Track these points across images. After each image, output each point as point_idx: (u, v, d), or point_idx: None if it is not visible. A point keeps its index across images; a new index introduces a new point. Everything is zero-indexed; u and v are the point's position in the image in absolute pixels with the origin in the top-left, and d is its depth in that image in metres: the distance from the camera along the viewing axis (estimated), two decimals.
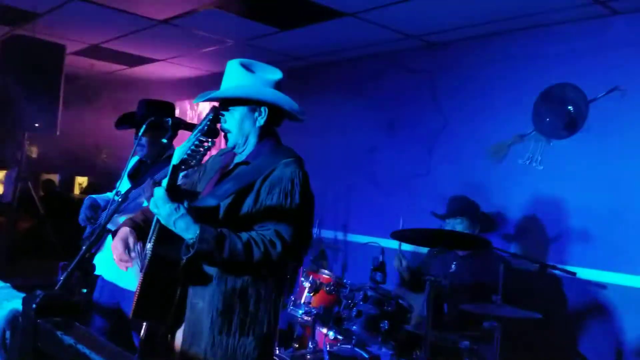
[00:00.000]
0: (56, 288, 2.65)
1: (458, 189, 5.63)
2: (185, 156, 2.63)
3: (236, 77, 3.04)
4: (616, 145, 5.15)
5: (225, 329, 2.83)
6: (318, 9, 5.72)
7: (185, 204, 2.68)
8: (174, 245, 2.71)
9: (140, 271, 2.91)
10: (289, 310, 4.88)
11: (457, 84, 6.39)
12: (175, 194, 2.67)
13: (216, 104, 2.96)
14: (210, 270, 2.85)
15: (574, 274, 4.83)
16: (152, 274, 2.77)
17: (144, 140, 4.42)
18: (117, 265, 3.00)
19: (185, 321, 2.94)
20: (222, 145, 3.36)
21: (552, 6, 5.20)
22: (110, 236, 4.15)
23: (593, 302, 5.22)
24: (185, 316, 2.93)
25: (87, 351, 1.52)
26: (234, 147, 3.07)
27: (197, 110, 9.73)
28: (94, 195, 4.60)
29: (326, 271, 5.03)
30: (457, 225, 5.19)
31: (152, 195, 2.69)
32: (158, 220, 2.74)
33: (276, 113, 3.07)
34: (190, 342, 2.90)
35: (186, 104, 9.84)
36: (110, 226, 3.76)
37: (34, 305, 1.72)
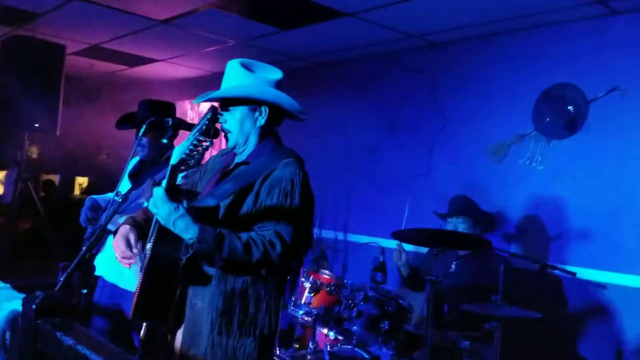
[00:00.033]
0: (56, 289, 2.66)
1: (458, 188, 5.62)
2: (184, 156, 2.62)
3: (236, 77, 3.04)
4: (616, 145, 5.15)
5: (225, 330, 2.82)
6: (318, 9, 5.72)
7: (185, 203, 2.67)
8: (174, 245, 2.70)
9: (140, 271, 2.90)
10: (289, 310, 4.88)
11: (457, 83, 6.39)
12: (174, 193, 2.67)
13: (216, 104, 2.96)
14: (210, 270, 2.85)
15: (574, 274, 4.83)
16: (151, 274, 2.77)
17: (144, 140, 4.42)
18: (119, 263, 3.00)
19: (185, 321, 2.94)
20: (223, 146, 3.36)
21: (553, 6, 5.20)
22: (111, 237, 4.15)
23: (593, 302, 5.22)
24: (185, 316, 2.93)
25: (87, 352, 1.52)
26: (234, 147, 3.07)
27: (198, 110, 9.72)
28: (94, 196, 4.59)
29: (327, 271, 5.03)
30: (460, 224, 5.19)
31: (151, 195, 2.68)
32: (157, 220, 2.74)
33: (277, 113, 3.07)
34: (189, 342, 2.90)
35: (187, 104, 9.84)
36: (110, 227, 3.75)
37: (33, 306, 1.71)
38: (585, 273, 5.17)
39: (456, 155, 6.28)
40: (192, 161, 2.65)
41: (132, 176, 4.53)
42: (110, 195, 4.60)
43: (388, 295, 4.67)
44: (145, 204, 2.83)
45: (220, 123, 3.01)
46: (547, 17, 5.48)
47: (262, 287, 2.90)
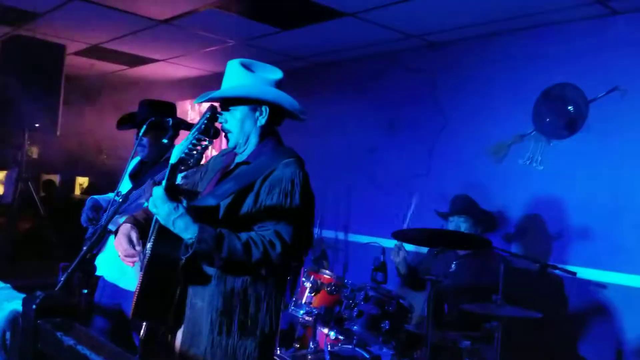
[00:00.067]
0: (56, 289, 2.66)
1: (458, 188, 5.62)
2: (183, 155, 2.62)
3: (237, 77, 3.03)
4: (616, 145, 5.15)
5: (225, 330, 2.82)
6: (319, 9, 5.72)
7: (185, 203, 2.67)
8: (174, 245, 2.70)
9: (140, 271, 2.90)
10: (290, 310, 4.88)
11: (457, 83, 6.39)
12: (174, 193, 2.66)
13: (216, 104, 2.96)
14: (210, 270, 2.85)
15: (574, 273, 4.83)
16: (151, 273, 2.77)
17: (145, 140, 4.42)
18: (120, 263, 3.00)
19: (185, 321, 2.94)
20: (223, 146, 3.36)
21: (553, 6, 5.20)
22: (112, 237, 4.15)
23: (593, 302, 5.22)
24: (185, 316, 2.93)
25: (87, 352, 1.52)
26: (235, 147, 3.06)
27: (199, 110, 9.72)
28: (95, 196, 4.60)
29: (327, 271, 5.03)
30: (462, 223, 5.19)
31: (151, 195, 2.68)
32: (157, 220, 2.74)
33: (277, 112, 3.07)
34: (189, 342, 2.90)
35: (187, 104, 9.84)
36: (111, 227, 3.75)
37: (34, 306, 1.72)
38: (585, 273, 5.17)
39: (456, 155, 6.28)
40: (192, 160, 2.65)
41: (132, 176, 4.53)
42: (111, 195, 4.61)
43: (388, 295, 4.67)
44: (146, 204, 2.83)
45: (221, 123, 3.01)
46: (547, 17, 5.48)
47: (262, 287, 2.89)
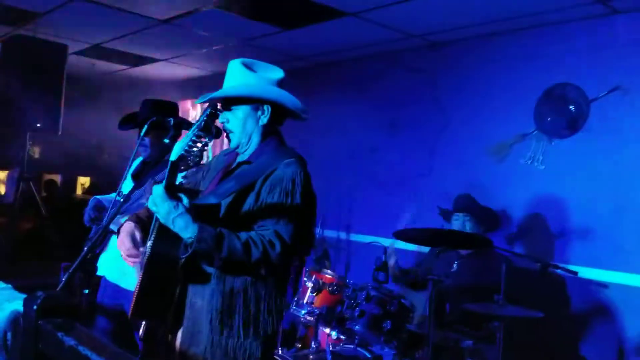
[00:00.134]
0: (58, 289, 2.65)
1: (460, 188, 5.61)
2: (183, 152, 2.61)
3: (238, 77, 3.03)
4: (617, 145, 5.15)
5: (225, 329, 2.81)
6: (320, 9, 5.72)
7: (185, 201, 2.66)
8: (174, 243, 2.69)
9: (140, 270, 2.90)
10: (291, 310, 4.89)
11: (458, 83, 6.39)
12: (174, 191, 2.65)
13: (218, 104, 2.95)
14: (210, 269, 2.84)
15: (575, 273, 4.82)
16: (151, 272, 2.75)
17: (146, 140, 4.41)
18: (121, 263, 3.00)
19: (184, 320, 2.93)
20: (225, 147, 3.35)
21: (553, 6, 5.20)
22: (113, 237, 4.15)
23: (595, 301, 5.22)
24: (185, 315, 2.93)
25: (88, 352, 1.52)
26: (237, 147, 3.05)
27: (200, 110, 9.72)
28: (98, 196, 4.60)
29: (329, 271, 5.03)
30: (467, 222, 5.19)
31: (151, 192, 2.68)
32: (157, 219, 2.73)
33: (279, 112, 3.06)
34: (189, 341, 2.90)
35: (188, 104, 9.84)
36: (112, 227, 3.76)
37: (35, 307, 1.72)
38: (586, 272, 5.17)
39: (458, 155, 6.28)
40: (191, 158, 2.64)
41: (134, 176, 4.53)
42: (113, 195, 4.61)
43: (390, 295, 4.68)
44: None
45: (223, 123, 3.01)
46: (548, 17, 5.48)
47: (262, 287, 2.88)
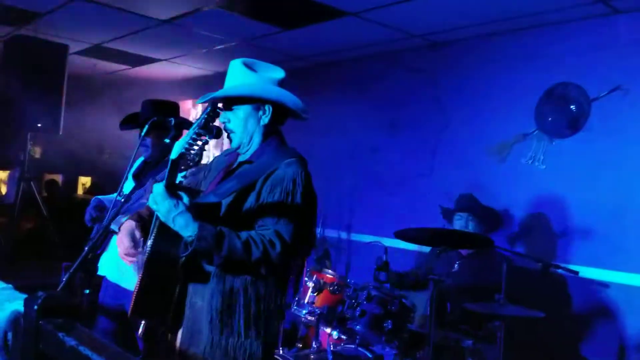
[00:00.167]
0: (58, 289, 2.65)
1: (461, 188, 5.61)
2: (183, 150, 2.61)
3: (239, 76, 3.03)
4: (619, 144, 5.15)
5: (225, 329, 2.81)
6: (321, 9, 5.71)
7: (185, 199, 2.66)
8: (174, 242, 2.68)
9: (138, 269, 2.90)
10: (292, 310, 4.88)
11: (459, 83, 6.39)
12: (174, 190, 2.65)
13: (220, 104, 2.95)
14: (210, 268, 2.83)
15: (576, 272, 4.82)
16: (151, 271, 2.75)
17: (147, 140, 4.42)
18: (121, 260, 3.00)
19: (184, 320, 2.93)
20: (226, 147, 3.35)
21: (555, 5, 5.20)
22: (115, 237, 4.15)
23: (596, 301, 5.22)
24: (185, 315, 2.93)
25: (89, 352, 1.52)
26: (238, 147, 3.05)
27: (201, 110, 9.72)
28: (100, 196, 4.60)
29: (330, 271, 5.03)
30: (469, 222, 5.19)
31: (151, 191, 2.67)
32: (158, 217, 2.73)
33: (280, 111, 3.06)
34: (189, 342, 2.90)
35: (189, 104, 9.84)
36: (113, 227, 3.75)
37: (35, 307, 1.71)
38: (587, 272, 5.17)
39: (458, 155, 6.28)
40: (191, 156, 2.63)
41: (135, 176, 4.53)
42: (115, 195, 4.61)
43: (391, 295, 4.68)
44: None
45: (224, 123, 3.01)
46: (549, 17, 5.48)
47: (262, 287, 2.87)
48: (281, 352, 4.63)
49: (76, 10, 6.36)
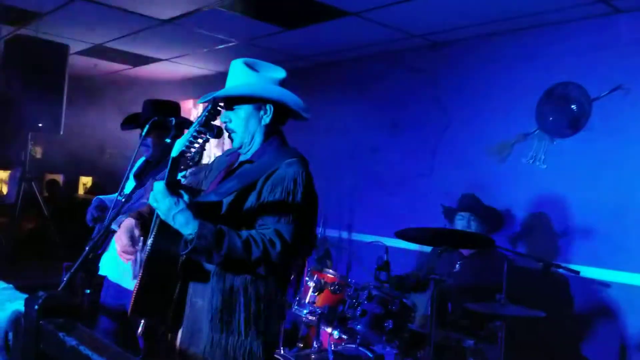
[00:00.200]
0: (59, 289, 2.65)
1: (461, 188, 5.61)
2: (184, 148, 2.60)
3: (241, 76, 3.03)
4: (619, 144, 5.15)
5: (225, 328, 2.80)
6: (322, 8, 5.71)
7: (186, 197, 2.65)
8: (174, 240, 2.68)
9: (135, 266, 2.90)
10: (293, 309, 4.88)
11: (459, 83, 6.38)
12: (175, 188, 2.65)
13: (221, 104, 2.95)
14: (210, 267, 2.83)
15: (577, 272, 4.82)
16: (151, 270, 2.75)
17: (148, 140, 4.43)
18: (119, 257, 2.99)
19: (184, 320, 2.93)
20: (227, 148, 3.35)
21: (555, 5, 5.20)
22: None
23: (597, 301, 5.22)
24: (185, 315, 2.93)
25: (89, 352, 1.52)
26: (240, 147, 3.05)
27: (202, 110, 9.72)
28: (101, 196, 4.60)
29: (330, 270, 5.03)
30: (472, 221, 5.20)
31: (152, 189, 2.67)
32: (158, 215, 2.72)
33: (281, 111, 3.06)
34: (189, 341, 2.89)
35: (190, 104, 9.84)
36: (114, 226, 3.75)
37: (36, 307, 1.72)
38: (588, 272, 5.17)
39: (459, 154, 6.28)
40: (192, 154, 2.63)
41: (137, 176, 4.53)
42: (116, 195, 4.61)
43: (392, 294, 4.67)
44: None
45: (225, 122, 3.01)
46: (549, 16, 5.48)
47: (263, 286, 2.87)
48: (282, 351, 4.62)
49: (77, 10, 6.36)
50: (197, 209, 2.67)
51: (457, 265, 5.14)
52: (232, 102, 2.99)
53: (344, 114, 7.05)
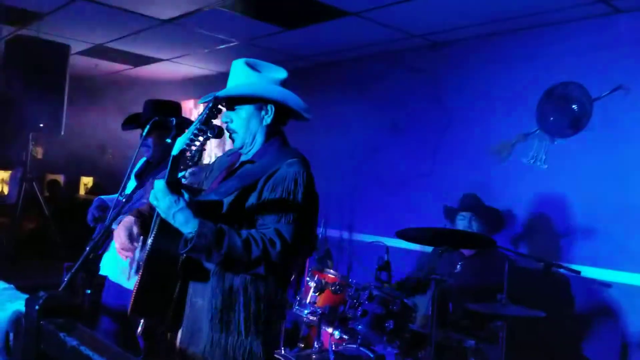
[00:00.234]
0: (60, 289, 2.65)
1: (462, 188, 5.62)
2: (184, 146, 2.60)
3: (242, 76, 3.03)
4: (620, 144, 5.15)
5: (224, 328, 2.80)
6: (322, 8, 5.71)
7: (186, 196, 2.65)
8: (174, 240, 2.67)
9: (131, 264, 2.90)
10: (294, 309, 4.88)
11: (460, 83, 6.38)
12: (175, 186, 2.64)
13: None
14: (210, 267, 2.83)
15: (578, 272, 4.82)
16: (151, 269, 2.75)
17: (149, 140, 4.43)
18: (123, 262, 2.99)
19: (184, 319, 2.93)
20: (229, 148, 3.35)
21: (556, 5, 5.20)
22: None
23: (598, 301, 5.22)
24: (185, 314, 2.93)
25: (90, 353, 1.52)
26: (241, 148, 3.05)
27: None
28: (102, 196, 4.60)
29: (331, 271, 5.02)
30: (473, 221, 5.20)
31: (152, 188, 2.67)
32: (158, 214, 2.72)
33: (283, 112, 3.06)
34: (188, 341, 2.90)
35: (191, 104, 9.85)
36: (114, 227, 3.76)
37: (37, 307, 1.72)
38: (589, 272, 5.17)
39: (459, 154, 6.28)
40: (192, 152, 2.62)
41: (138, 176, 4.53)
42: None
43: (393, 295, 4.67)
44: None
45: (226, 123, 3.01)
46: (550, 16, 5.48)
47: (262, 286, 2.87)
48: (283, 352, 4.62)
49: (78, 10, 6.36)
50: (198, 208, 2.67)
51: (458, 266, 5.13)
52: (233, 102, 2.99)
53: (344, 114, 7.05)
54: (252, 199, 2.86)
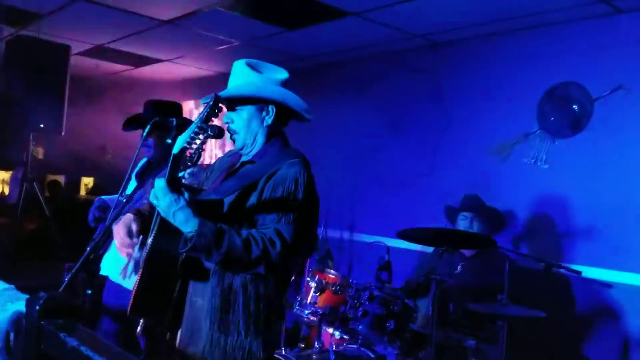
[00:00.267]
0: (60, 289, 2.65)
1: (463, 188, 5.61)
2: (185, 144, 2.60)
3: (243, 77, 3.03)
4: (621, 144, 5.15)
5: (224, 328, 2.80)
6: (322, 9, 5.72)
7: (186, 195, 2.65)
8: (174, 240, 2.67)
9: (129, 263, 2.90)
10: (294, 310, 4.88)
11: (460, 83, 6.39)
12: (176, 185, 2.64)
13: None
14: (210, 266, 2.83)
15: (579, 272, 4.82)
16: (151, 269, 2.75)
17: (150, 141, 4.43)
18: (123, 260, 2.99)
19: (184, 319, 2.93)
20: (229, 149, 3.35)
21: (557, 5, 5.20)
22: None
23: (599, 301, 5.22)
24: (185, 314, 2.93)
25: (90, 353, 1.52)
26: (242, 148, 3.05)
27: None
28: (103, 197, 4.60)
29: (332, 271, 5.02)
30: (474, 222, 5.20)
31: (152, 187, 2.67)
32: (159, 214, 2.72)
33: (284, 112, 3.06)
34: (188, 340, 2.89)
35: (192, 104, 9.85)
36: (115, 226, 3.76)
37: (37, 307, 1.71)
38: (590, 272, 5.16)
39: (460, 154, 6.27)
40: (192, 150, 2.62)
41: (138, 176, 4.54)
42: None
43: (393, 295, 4.67)
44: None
45: (227, 123, 3.01)
46: (551, 16, 5.48)
47: (262, 286, 2.86)
48: (283, 352, 4.62)
49: (78, 10, 6.37)
50: (198, 208, 2.67)
51: (459, 267, 5.12)
52: (234, 102, 2.99)
53: (344, 114, 7.05)
54: (253, 199, 2.86)
